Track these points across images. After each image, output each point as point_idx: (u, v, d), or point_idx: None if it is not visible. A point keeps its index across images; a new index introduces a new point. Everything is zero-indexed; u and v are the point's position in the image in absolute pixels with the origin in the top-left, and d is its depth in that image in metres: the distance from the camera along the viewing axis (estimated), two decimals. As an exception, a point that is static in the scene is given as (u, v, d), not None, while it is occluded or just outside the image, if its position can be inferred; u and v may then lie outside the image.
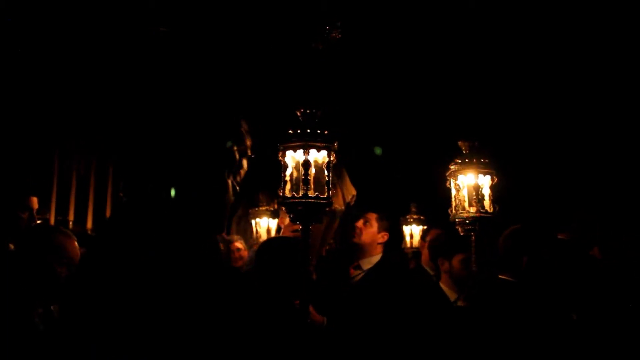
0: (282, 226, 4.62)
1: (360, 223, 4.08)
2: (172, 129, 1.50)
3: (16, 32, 4.98)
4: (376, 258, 4.11)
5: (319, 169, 2.24)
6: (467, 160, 3.36)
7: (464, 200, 3.37)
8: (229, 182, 1.58)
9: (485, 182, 3.36)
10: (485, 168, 3.34)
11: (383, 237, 4.13)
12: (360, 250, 4.10)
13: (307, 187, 2.20)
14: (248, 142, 1.62)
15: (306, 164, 2.19)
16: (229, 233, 5.25)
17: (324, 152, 2.24)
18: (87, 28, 4.90)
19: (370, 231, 4.09)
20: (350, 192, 4.17)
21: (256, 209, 5.26)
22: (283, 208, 2.34)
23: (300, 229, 3.91)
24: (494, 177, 3.36)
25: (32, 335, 2.42)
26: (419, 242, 5.75)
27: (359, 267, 4.09)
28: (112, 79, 5.28)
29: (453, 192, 3.40)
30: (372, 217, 4.11)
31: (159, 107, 1.46)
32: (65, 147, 7.15)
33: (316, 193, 2.22)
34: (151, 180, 1.52)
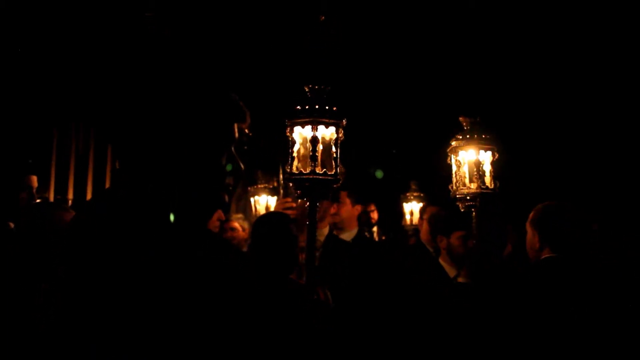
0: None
1: (334, 206, 4.26)
2: (171, 107, 1.48)
3: (15, 14, 4.93)
4: (354, 231, 4.40)
5: (326, 145, 2.24)
6: (468, 136, 3.34)
7: (465, 177, 3.35)
8: (223, 161, 1.57)
9: (486, 158, 3.35)
10: (486, 144, 3.32)
11: (357, 209, 4.40)
12: (339, 227, 4.37)
13: (315, 164, 2.20)
14: (248, 120, 1.60)
15: (314, 140, 2.19)
16: (228, 211, 5.25)
17: (332, 129, 2.23)
18: (86, 8, 4.86)
19: (346, 208, 4.32)
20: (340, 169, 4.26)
21: (255, 186, 5.28)
22: (290, 184, 2.33)
23: (295, 206, 4.06)
24: (495, 153, 3.34)
25: (33, 313, 2.42)
26: (418, 219, 5.78)
27: None
28: (108, 56, 5.25)
29: (454, 168, 3.38)
30: (343, 194, 4.28)
31: (156, 84, 1.44)
32: (64, 126, 7.11)
33: (324, 169, 2.22)
34: (149, 157, 1.50)
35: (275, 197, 5.20)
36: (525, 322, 2.89)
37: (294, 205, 4.07)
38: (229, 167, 1.54)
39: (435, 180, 4.11)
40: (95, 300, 1.30)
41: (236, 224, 5.24)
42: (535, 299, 2.95)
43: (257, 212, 5.19)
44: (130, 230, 1.36)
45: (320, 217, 4.14)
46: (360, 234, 4.47)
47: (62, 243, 1.42)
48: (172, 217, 1.43)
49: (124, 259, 1.32)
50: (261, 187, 5.28)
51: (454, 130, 3.41)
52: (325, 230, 4.24)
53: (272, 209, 5.20)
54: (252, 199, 5.31)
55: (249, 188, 5.36)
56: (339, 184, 2.34)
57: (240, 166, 1.59)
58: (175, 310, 1.33)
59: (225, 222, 5.07)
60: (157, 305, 1.32)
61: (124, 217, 1.38)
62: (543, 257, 3.18)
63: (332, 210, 4.30)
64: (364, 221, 6.79)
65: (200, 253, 1.51)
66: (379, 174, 7.39)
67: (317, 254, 4.00)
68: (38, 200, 4.16)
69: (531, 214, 3.43)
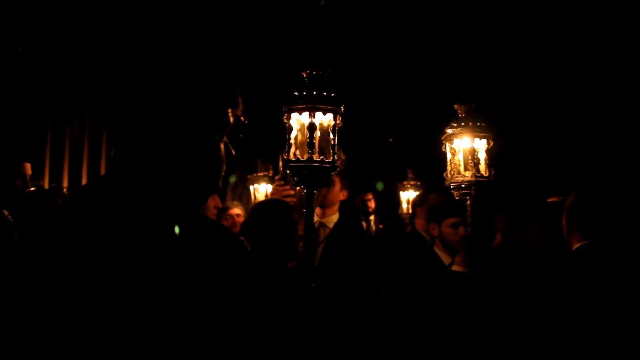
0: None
1: (344, 193, 4.23)
2: (166, 89, 1.48)
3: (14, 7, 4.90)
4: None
5: (324, 132, 2.22)
6: (463, 123, 3.33)
7: (460, 165, 3.35)
8: (222, 145, 1.57)
9: (481, 145, 3.34)
10: (481, 131, 3.32)
11: (344, 194, 4.31)
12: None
13: (312, 151, 2.19)
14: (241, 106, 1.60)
15: (312, 127, 2.18)
16: (224, 199, 5.26)
17: (330, 115, 2.21)
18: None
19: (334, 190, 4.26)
20: (339, 156, 4.21)
21: (254, 174, 5.26)
22: (288, 172, 2.32)
23: (294, 193, 4.04)
24: (490, 141, 3.34)
25: (32, 312, 2.40)
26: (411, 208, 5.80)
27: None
28: (102, 45, 5.23)
29: (448, 156, 3.38)
30: (335, 177, 4.25)
31: (150, 69, 1.43)
32: (59, 113, 7.09)
33: (321, 157, 2.21)
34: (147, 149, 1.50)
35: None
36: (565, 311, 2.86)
37: (292, 192, 4.03)
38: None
39: (431, 169, 4.11)
40: (95, 300, 1.30)
41: (238, 210, 5.25)
42: (577, 288, 2.92)
43: (256, 200, 5.18)
44: (130, 231, 1.37)
45: (326, 203, 4.13)
46: (343, 221, 4.35)
47: (62, 242, 1.42)
48: (177, 230, 1.43)
49: (123, 259, 1.32)
50: (261, 175, 5.26)
51: (450, 118, 3.41)
52: (334, 217, 4.19)
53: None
54: (251, 187, 5.29)
55: (248, 176, 5.34)
56: (336, 171, 2.33)
57: (231, 152, 1.60)
58: (175, 310, 1.34)
59: (223, 210, 5.07)
60: (157, 305, 1.32)
61: (125, 218, 1.38)
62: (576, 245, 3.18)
63: (342, 197, 4.26)
64: (361, 209, 6.84)
65: (199, 252, 1.51)
66: (380, 185, 7.45)
67: (323, 243, 3.99)
68: (32, 188, 4.14)
69: (566, 201, 3.43)
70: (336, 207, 4.24)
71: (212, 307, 1.40)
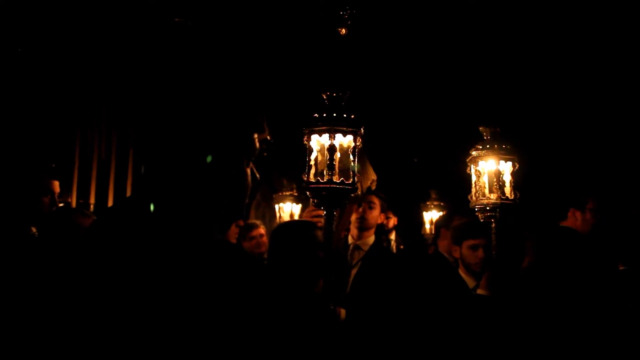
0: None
1: (365, 207, 4.18)
2: (192, 115, 1.49)
3: (35, 20, 5.00)
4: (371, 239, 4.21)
5: (344, 153, 2.22)
6: (488, 146, 3.31)
7: (485, 187, 3.32)
8: (248, 170, 1.57)
9: (506, 168, 3.32)
10: (506, 154, 3.30)
11: (382, 218, 4.26)
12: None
13: (332, 172, 2.18)
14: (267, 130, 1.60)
15: (332, 149, 2.17)
16: (247, 219, 5.24)
17: (349, 137, 2.20)
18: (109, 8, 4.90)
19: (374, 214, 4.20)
20: (370, 176, 4.19)
21: (279, 193, 5.24)
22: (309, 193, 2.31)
23: (323, 214, 4.01)
24: (516, 164, 3.31)
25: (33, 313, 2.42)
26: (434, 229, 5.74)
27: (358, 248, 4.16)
28: (130, 62, 5.31)
29: (473, 178, 3.36)
30: (376, 200, 4.21)
31: (178, 92, 1.44)
32: (86, 131, 7.20)
33: (341, 178, 2.19)
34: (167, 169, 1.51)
35: (299, 205, 5.15)
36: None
37: (323, 213, 4.02)
38: (208, 159, 1.53)
39: (455, 189, 4.08)
40: (98, 307, 1.31)
41: (262, 230, 5.23)
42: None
43: (282, 220, 5.16)
44: (142, 247, 1.38)
45: (365, 226, 4.09)
46: (378, 242, 4.36)
47: (75, 252, 1.44)
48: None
49: (122, 264, 1.34)
50: (286, 195, 5.24)
51: (475, 140, 3.39)
52: (370, 240, 4.14)
53: (296, 217, 5.17)
54: (276, 206, 5.27)
55: (273, 195, 5.33)
56: (356, 193, 2.32)
57: (256, 176, 1.59)
58: (174, 313, 1.34)
59: (246, 230, 5.05)
60: (155, 307, 1.32)
61: (128, 233, 1.40)
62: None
63: (380, 221, 4.23)
64: (380, 228, 6.79)
65: (208, 264, 1.51)
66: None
67: (357, 265, 3.95)
68: (60, 205, 4.20)
69: None
70: (373, 230, 4.19)
71: (210, 311, 1.40)
